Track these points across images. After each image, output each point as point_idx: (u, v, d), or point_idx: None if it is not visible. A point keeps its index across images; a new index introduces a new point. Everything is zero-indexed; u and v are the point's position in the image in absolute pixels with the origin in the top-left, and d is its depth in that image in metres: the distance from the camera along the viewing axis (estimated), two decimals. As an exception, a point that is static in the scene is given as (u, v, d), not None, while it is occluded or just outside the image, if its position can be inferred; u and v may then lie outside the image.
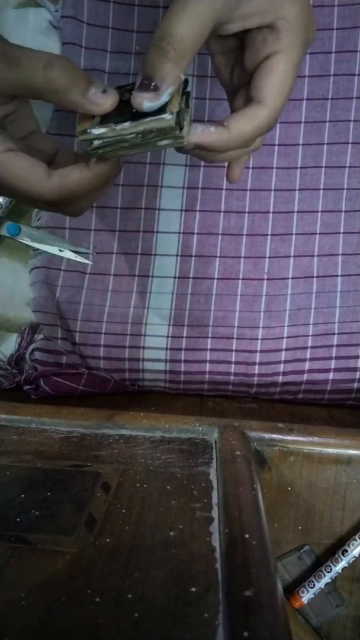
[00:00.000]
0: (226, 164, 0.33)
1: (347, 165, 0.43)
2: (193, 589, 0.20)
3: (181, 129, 0.24)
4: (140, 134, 0.24)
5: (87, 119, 0.25)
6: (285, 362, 0.43)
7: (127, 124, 0.24)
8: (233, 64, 0.28)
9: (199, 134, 0.25)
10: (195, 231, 0.44)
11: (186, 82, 0.25)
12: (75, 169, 0.25)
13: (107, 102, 0.24)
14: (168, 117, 0.23)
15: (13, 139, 0.26)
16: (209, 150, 0.26)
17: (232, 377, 0.44)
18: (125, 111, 0.24)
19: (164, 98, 0.23)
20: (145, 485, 0.27)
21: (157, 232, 0.44)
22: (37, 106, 0.45)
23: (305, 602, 0.35)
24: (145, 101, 0.23)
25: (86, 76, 0.24)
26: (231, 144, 0.25)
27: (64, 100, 0.24)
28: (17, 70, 0.23)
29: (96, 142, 0.24)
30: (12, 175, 0.24)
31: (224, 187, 0.44)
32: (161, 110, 0.23)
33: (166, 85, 0.23)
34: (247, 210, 0.44)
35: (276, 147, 0.44)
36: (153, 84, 0.23)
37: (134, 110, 0.24)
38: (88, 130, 0.24)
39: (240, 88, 0.28)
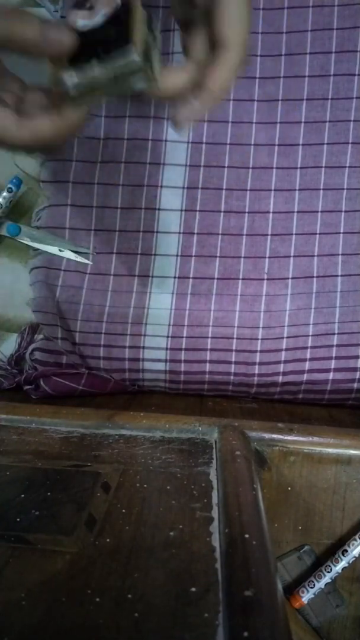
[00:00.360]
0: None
1: (347, 165, 0.43)
2: (193, 589, 0.20)
3: (152, 68, 0.24)
4: (111, 76, 0.24)
5: (56, 72, 0.24)
6: (285, 362, 0.43)
7: (97, 68, 0.23)
8: None
9: (189, 110, 0.27)
10: (195, 231, 0.44)
11: (150, 18, 0.24)
12: (46, 119, 0.26)
13: (66, 39, 0.23)
14: (134, 56, 0.23)
15: None
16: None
17: (232, 377, 0.44)
18: (89, 48, 0.23)
19: (99, 18, 0.23)
20: (145, 485, 0.27)
21: (157, 232, 0.44)
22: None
23: (305, 602, 0.35)
24: (79, 19, 0.23)
25: (39, 19, 0.23)
26: (216, 96, 0.27)
27: (25, 50, 0.24)
28: None
29: (71, 90, 0.24)
30: None
31: (224, 187, 0.44)
32: (124, 41, 0.23)
33: (101, 5, 0.23)
34: (247, 210, 0.44)
35: (276, 147, 0.44)
36: (88, 3, 0.23)
37: (99, 49, 0.23)
38: (60, 77, 0.24)
39: (190, 21, 0.28)
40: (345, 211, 0.44)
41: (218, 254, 0.44)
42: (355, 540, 0.35)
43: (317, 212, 0.44)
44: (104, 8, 0.23)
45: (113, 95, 0.25)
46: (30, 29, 0.23)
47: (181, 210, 0.44)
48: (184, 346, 0.44)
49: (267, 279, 0.44)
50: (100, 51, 0.23)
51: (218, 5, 0.26)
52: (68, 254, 0.44)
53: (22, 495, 0.26)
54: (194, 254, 0.44)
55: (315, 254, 0.44)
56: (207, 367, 0.44)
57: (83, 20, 0.23)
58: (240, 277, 0.44)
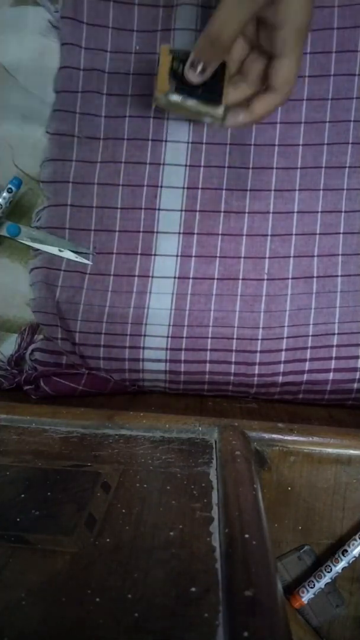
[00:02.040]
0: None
1: (347, 165, 0.43)
2: (193, 589, 0.20)
3: (225, 117, 0.34)
4: (195, 110, 0.34)
5: (164, 78, 0.33)
6: (285, 362, 0.43)
7: (193, 102, 0.33)
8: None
9: (232, 120, 0.35)
10: (195, 231, 0.44)
11: (224, 64, 0.33)
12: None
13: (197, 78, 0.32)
14: (221, 111, 0.34)
15: None
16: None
17: (232, 377, 0.44)
18: (193, 89, 0.33)
19: (207, 75, 0.32)
20: (145, 485, 0.27)
21: (157, 232, 0.44)
22: (36, 105, 0.45)
23: (305, 602, 0.35)
24: (193, 78, 0.32)
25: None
26: (251, 122, 0.35)
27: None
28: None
29: (163, 102, 0.34)
30: None
31: (224, 187, 0.44)
32: (217, 96, 0.33)
33: (211, 69, 0.32)
34: (247, 210, 0.44)
35: (276, 147, 0.44)
36: (201, 66, 0.32)
37: (201, 88, 0.33)
38: (168, 94, 0.33)
39: (255, 46, 0.34)
40: (345, 211, 0.44)
41: (218, 254, 0.44)
42: (355, 540, 0.35)
43: (317, 212, 0.44)
44: (213, 69, 0.32)
45: (186, 116, 0.37)
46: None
47: (181, 210, 0.44)
48: (184, 346, 0.44)
49: (267, 279, 0.44)
50: (200, 92, 0.33)
51: (280, 56, 0.31)
52: (68, 254, 0.44)
53: (22, 495, 0.26)
54: (194, 254, 0.44)
55: (315, 254, 0.44)
56: (207, 367, 0.44)
57: (196, 79, 0.32)
58: (240, 277, 0.44)
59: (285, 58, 0.31)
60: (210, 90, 0.33)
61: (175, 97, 0.33)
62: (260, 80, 0.34)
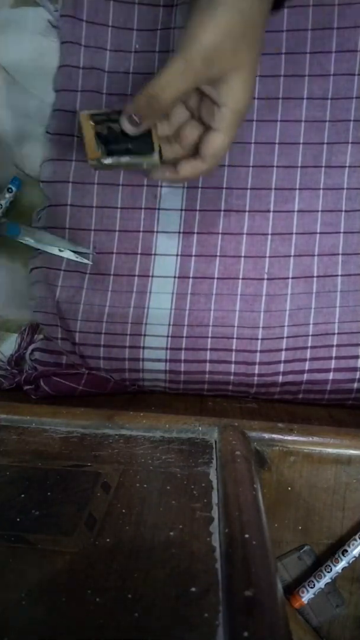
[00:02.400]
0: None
1: (347, 165, 0.43)
2: (193, 589, 0.20)
3: (161, 159, 0.34)
4: (132, 164, 0.34)
5: (93, 145, 0.34)
6: (285, 362, 0.43)
7: (127, 159, 0.34)
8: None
9: (159, 174, 0.36)
10: (195, 231, 0.44)
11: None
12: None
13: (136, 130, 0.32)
14: (155, 158, 0.34)
15: None
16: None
17: (232, 377, 0.44)
18: (120, 137, 0.33)
19: (142, 128, 0.32)
20: (145, 485, 0.27)
21: (157, 231, 0.44)
22: (36, 105, 0.45)
23: (305, 602, 0.35)
24: (129, 130, 0.32)
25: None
26: (174, 181, 0.36)
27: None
28: None
29: (99, 167, 0.35)
30: None
31: (224, 187, 0.44)
32: (148, 146, 0.33)
33: (145, 125, 0.32)
34: (247, 209, 0.44)
35: (276, 146, 0.44)
36: (137, 120, 0.32)
37: (129, 144, 0.33)
38: (101, 160, 0.34)
39: (195, 115, 0.35)
40: (346, 211, 0.43)
41: (218, 254, 0.44)
42: (355, 540, 0.35)
43: (317, 211, 0.44)
44: (147, 126, 0.32)
45: (125, 169, 0.37)
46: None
47: (181, 210, 0.44)
48: (184, 346, 0.44)
49: (267, 279, 0.44)
50: (130, 146, 0.34)
51: (216, 130, 0.32)
52: (68, 254, 0.44)
53: (22, 495, 0.26)
54: (194, 253, 0.44)
55: (316, 253, 0.44)
56: (207, 367, 0.44)
57: (131, 131, 0.32)
58: (240, 276, 0.44)
59: (219, 133, 0.32)
60: (141, 142, 0.33)
61: (109, 160, 0.34)
62: (192, 147, 0.35)
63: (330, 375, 0.43)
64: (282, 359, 0.43)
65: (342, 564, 0.35)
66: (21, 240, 0.44)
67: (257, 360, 0.43)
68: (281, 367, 0.43)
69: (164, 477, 0.28)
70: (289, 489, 0.35)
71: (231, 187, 0.44)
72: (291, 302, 0.44)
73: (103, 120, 0.33)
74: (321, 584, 0.35)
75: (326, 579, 0.35)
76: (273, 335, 0.43)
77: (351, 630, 0.37)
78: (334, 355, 0.43)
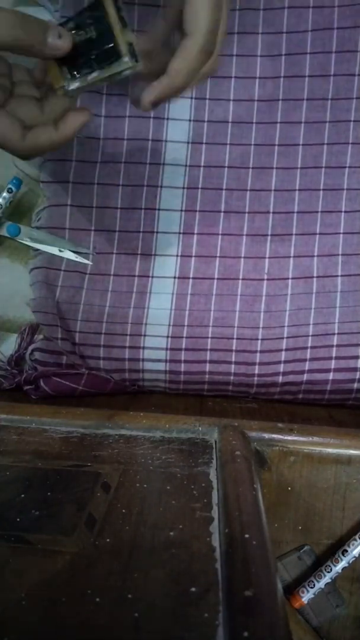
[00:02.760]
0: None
1: (347, 165, 0.43)
2: (193, 589, 0.20)
3: (137, 59, 0.28)
4: (107, 76, 0.29)
5: (55, 72, 0.29)
6: (285, 362, 0.43)
7: (95, 74, 0.28)
8: None
9: (149, 94, 0.30)
10: (195, 231, 0.44)
11: (119, 8, 0.28)
12: (45, 134, 0.30)
13: (64, 45, 0.28)
14: (126, 60, 0.28)
15: None
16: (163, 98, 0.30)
17: (232, 377, 0.44)
18: (81, 52, 0.28)
19: (67, 42, 0.28)
20: (145, 485, 0.27)
21: (157, 232, 0.44)
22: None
23: (305, 602, 0.35)
24: (61, 44, 0.28)
25: (43, 25, 0.27)
26: (176, 83, 0.29)
27: (30, 54, 0.28)
28: None
29: (69, 94, 0.30)
30: None
31: (224, 187, 0.44)
32: (115, 51, 0.27)
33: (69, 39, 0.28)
34: (247, 210, 0.44)
35: (276, 147, 0.44)
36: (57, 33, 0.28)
37: (92, 54, 0.28)
38: (65, 87, 0.29)
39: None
40: (345, 211, 0.44)
41: (218, 254, 0.44)
42: (355, 540, 0.35)
43: (317, 212, 0.44)
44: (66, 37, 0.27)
45: (104, 83, 0.30)
46: (35, 34, 0.27)
47: (181, 210, 0.44)
48: (184, 346, 0.44)
49: (267, 279, 0.44)
50: (93, 59, 0.28)
51: (188, 3, 0.28)
52: (68, 254, 0.44)
53: (22, 495, 0.26)
54: (194, 254, 0.44)
55: (315, 254, 0.44)
56: (207, 367, 0.44)
57: (63, 44, 0.27)
58: (240, 277, 0.44)
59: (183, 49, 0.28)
60: (106, 50, 0.28)
61: (75, 84, 0.29)
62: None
63: (330, 376, 0.43)
64: (282, 359, 0.43)
65: (342, 564, 0.35)
66: (21, 240, 0.44)
67: (257, 360, 0.43)
68: (281, 368, 0.43)
69: (164, 477, 0.28)
70: (289, 489, 0.35)
71: (231, 188, 0.44)
72: (291, 302, 0.44)
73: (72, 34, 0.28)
74: (321, 584, 0.35)
75: (326, 579, 0.35)
76: (273, 336, 0.43)
77: (351, 630, 0.37)
78: (334, 355, 0.43)
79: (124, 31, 0.28)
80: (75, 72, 0.29)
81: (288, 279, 0.44)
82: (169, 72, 0.29)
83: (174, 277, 0.44)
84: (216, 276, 0.44)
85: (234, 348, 0.43)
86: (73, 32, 0.28)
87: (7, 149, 0.30)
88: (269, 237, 0.44)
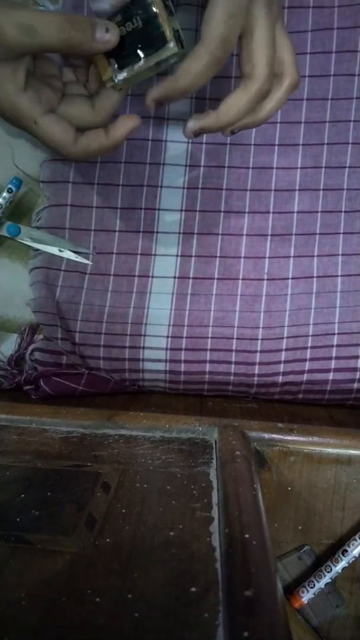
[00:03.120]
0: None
1: (347, 165, 0.43)
2: (193, 589, 0.20)
3: (182, 45, 0.29)
4: (152, 65, 0.29)
5: (103, 65, 0.30)
6: (285, 362, 0.43)
7: (141, 62, 0.29)
8: None
9: (154, 92, 0.30)
10: (195, 231, 0.44)
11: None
12: (96, 139, 0.32)
13: (112, 38, 0.29)
14: (171, 46, 0.28)
15: (47, 98, 0.31)
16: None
17: (232, 377, 0.44)
18: (128, 43, 0.29)
19: (114, 34, 0.29)
20: (145, 485, 0.27)
21: (157, 232, 0.44)
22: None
23: (305, 602, 0.35)
24: (108, 37, 0.29)
25: (90, 22, 0.28)
26: (181, 84, 0.30)
27: (79, 51, 0.29)
28: (34, 37, 0.27)
29: (119, 86, 0.31)
30: (48, 138, 0.31)
31: (224, 187, 0.44)
32: (161, 38, 0.28)
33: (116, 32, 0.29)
34: (247, 210, 0.44)
35: (276, 147, 0.44)
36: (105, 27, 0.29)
37: (139, 44, 0.29)
38: (114, 78, 0.30)
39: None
40: (345, 211, 0.44)
41: (218, 254, 0.44)
42: (355, 540, 0.35)
43: (317, 212, 0.44)
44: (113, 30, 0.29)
45: (153, 73, 0.30)
46: (87, 37, 0.28)
47: (181, 210, 0.44)
48: (184, 346, 0.44)
49: (267, 279, 0.44)
50: (139, 49, 0.29)
51: (247, 46, 0.29)
52: (68, 254, 0.44)
53: (22, 495, 0.26)
54: (194, 254, 0.44)
55: (315, 254, 0.44)
56: (207, 367, 0.44)
57: (110, 37, 0.29)
58: (240, 277, 0.44)
59: (255, 28, 0.29)
60: (150, 38, 0.29)
61: (123, 74, 0.30)
62: None
63: (330, 376, 0.43)
64: (282, 359, 0.43)
65: (342, 564, 0.35)
66: (21, 240, 0.44)
67: (257, 360, 0.43)
68: (281, 368, 0.43)
69: (164, 477, 0.28)
70: (289, 489, 0.35)
71: (231, 188, 0.44)
72: (291, 302, 0.44)
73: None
74: (321, 584, 0.35)
75: (326, 579, 0.35)
76: (273, 336, 0.43)
77: (351, 630, 0.37)
78: (334, 355, 0.43)
79: (170, 19, 0.28)
80: (122, 64, 0.30)
81: (288, 279, 0.44)
82: (176, 72, 0.29)
83: (174, 277, 0.44)
84: (216, 276, 0.44)
85: (234, 348, 0.43)
86: (119, 24, 0.29)
87: (60, 153, 0.32)
88: (269, 237, 0.44)
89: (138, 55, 0.29)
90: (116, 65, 0.30)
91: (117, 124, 0.32)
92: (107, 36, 0.29)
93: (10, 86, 0.30)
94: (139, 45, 0.29)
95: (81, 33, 0.28)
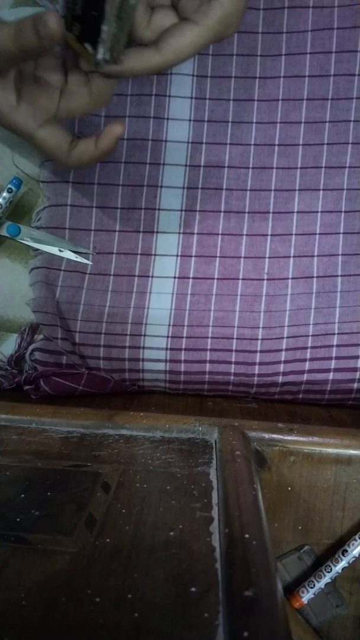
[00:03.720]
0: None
1: (347, 165, 0.43)
2: (193, 589, 0.20)
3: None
4: (116, 19, 0.28)
5: (83, 52, 0.30)
6: (285, 362, 0.43)
7: (105, 26, 0.28)
8: None
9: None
10: (195, 231, 0.44)
11: None
12: (87, 151, 0.34)
13: (54, 26, 0.27)
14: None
15: (43, 106, 0.32)
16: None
17: (232, 377, 0.44)
18: (88, 22, 0.29)
19: None
20: (145, 485, 0.27)
21: (157, 232, 0.44)
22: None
23: (305, 602, 0.35)
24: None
25: (32, 21, 0.27)
26: (126, 73, 0.31)
27: (41, 51, 0.29)
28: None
29: (105, 59, 0.30)
30: (44, 150, 0.34)
31: (224, 187, 0.44)
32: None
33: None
34: (247, 210, 0.44)
35: (276, 147, 0.44)
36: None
37: (94, 15, 0.28)
38: (98, 60, 0.30)
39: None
40: (345, 211, 0.44)
41: (218, 254, 0.44)
42: (355, 540, 0.35)
43: (317, 212, 0.44)
44: None
45: (126, 30, 0.30)
46: (32, 35, 0.28)
47: (181, 210, 0.44)
48: (184, 346, 0.44)
49: (267, 279, 0.44)
50: (97, 17, 0.28)
51: (192, 20, 0.30)
52: (68, 254, 0.44)
53: (22, 495, 0.26)
54: (194, 254, 0.44)
55: (315, 254, 0.44)
56: (207, 367, 0.44)
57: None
58: (240, 277, 0.44)
59: (195, 26, 0.30)
60: (101, 2, 0.28)
61: (100, 50, 0.29)
62: (155, 35, 0.32)
63: (330, 376, 0.43)
64: (282, 359, 0.43)
65: (342, 564, 0.35)
66: (21, 240, 0.44)
67: (257, 360, 0.43)
68: (281, 367, 0.43)
69: (164, 477, 0.28)
70: (289, 489, 0.35)
71: (231, 188, 0.44)
72: (291, 302, 0.44)
73: (70, 20, 0.29)
74: (321, 584, 0.35)
75: (326, 579, 0.35)
76: (273, 336, 0.43)
77: (351, 630, 0.37)
78: (334, 355, 0.43)
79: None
80: (94, 42, 0.29)
81: (288, 279, 0.44)
82: (161, 47, 0.30)
83: (174, 277, 0.44)
84: (216, 276, 0.44)
85: (234, 348, 0.43)
86: (71, 5, 0.28)
87: (53, 160, 0.34)
88: (269, 237, 0.44)
89: (99, 24, 0.28)
90: (90, 47, 0.29)
91: (103, 134, 0.34)
92: (50, 28, 0.27)
93: (3, 104, 0.31)
94: (95, 15, 0.28)
95: (30, 36, 0.28)
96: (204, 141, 0.44)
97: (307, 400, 0.44)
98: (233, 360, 0.43)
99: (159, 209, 0.44)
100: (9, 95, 0.31)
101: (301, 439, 0.34)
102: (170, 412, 0.37)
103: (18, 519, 0.24)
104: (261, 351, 0.43)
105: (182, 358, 0.43)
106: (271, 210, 0.44)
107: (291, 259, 0.44)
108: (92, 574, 0.21)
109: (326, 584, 0.35)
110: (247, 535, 0.22)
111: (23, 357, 0.46)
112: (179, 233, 0.44)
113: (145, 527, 0.24)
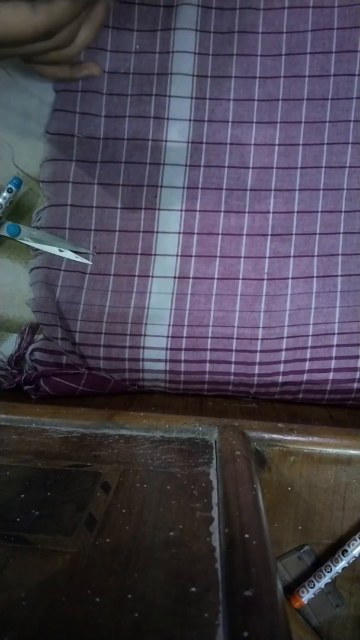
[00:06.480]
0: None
1: (347, 165, 0.43)
2: (193, 589, 0.20)
3: None
4: None
5: None
6: (285, 362, 0.43)
7: None
8: None
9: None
10: (195, 231, 0.44)
11: None
12: (63, 70, 0.32)
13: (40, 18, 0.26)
14: None
15: None
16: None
17: (232, 377, 0.44)
18: None
19: None
20: (145, 485, 0.27)
21: (157, 232, 0.44)
22: (36, 105, 0.45)
23: (305, 602, 0.35)
24: None
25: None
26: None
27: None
28: None
29: None
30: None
31: (224, 187, 0.44)
32: None
33: None
34: (247, 210, 0.44)
35: (276, 147, 0.44)
36: None
37: None
38: None
39: None
40: (345, 211, 0.44)
41: (218, 254, 0.44)
42: (355, 540, 0.35)
43: (317, 212, 0.44)
44: None
45: None
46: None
47: (181, 210, 0.44)
48: (184, 346, 0.44)
49: (267, 279, 0.44)
50: None
51: None
52: (68, 254, 0.44)
53: (22, 495, 0.26)
54: (194, 254, 0.44)
55: (315, 254, 0.44)
56: (207, 367, 0.44)
57: None
58: (240, 277, 0.44)
59: None
60: None
61: None
62: None
63: (330, 375, 0.43)
64: (282, 359, 0.43)
65: (342, 564, 0.35)
66: (21, 240, 0.44)
67: (257, 360, 0.43)
68: (281, 367, 0.43)
69: (164, 477, 0.28)
70: (289, 489, 0.35)
71: (231, 188, 0.44)
72: (291, 302, 0.44)
73: None
74: (321, 584, 0.35)
75: (326, 579, 0.35)
76: (273, 336, 0.43)
77: (351, 630, 0.37)
78: (334, 355, 0.43)
79: None
80: None
81: (288, 278, 0.44)
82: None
83: (174, 277, 0.44)
84: (216, 276, 0.44)
85: (234, 348, 0.43)
86: None
87: (18, 36, 0.26)
88: (269, 237, 0.44)
89: None
90: None
91: (82, 66, 0.36)
92: (38, 18, 0.25)
93: None
94: None
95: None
96: (204, 141, 0.44)
97: (307, 400, 0.44)
98: (233, 360, 0.43)
99: (159, 209, 0.44)
100: None
101: (301, 439, 0.34)
102: (170, 412, 0.37)
103: (18, 519, 0.24)
104: (261, 351, 0.43)
105: (182, 358, 0.43)
106: (271, 210, 0.44)
107: (291, 259, 0.44)
108: (92, 574, 0.21)
109: (326, 584, 0.35)
110: (247, 535, 0.22)
111: (23, 357, 0.46)
112: (179, 233, 0.44)
113: (145, 527, 0.24)
